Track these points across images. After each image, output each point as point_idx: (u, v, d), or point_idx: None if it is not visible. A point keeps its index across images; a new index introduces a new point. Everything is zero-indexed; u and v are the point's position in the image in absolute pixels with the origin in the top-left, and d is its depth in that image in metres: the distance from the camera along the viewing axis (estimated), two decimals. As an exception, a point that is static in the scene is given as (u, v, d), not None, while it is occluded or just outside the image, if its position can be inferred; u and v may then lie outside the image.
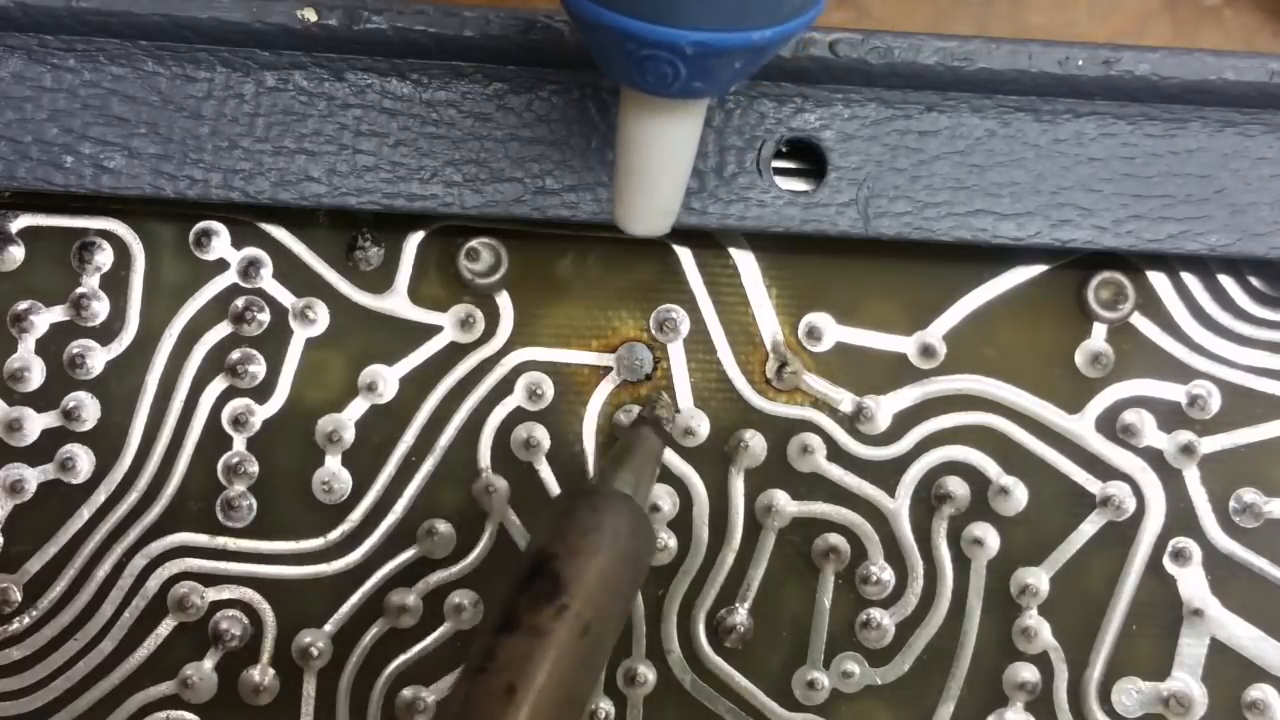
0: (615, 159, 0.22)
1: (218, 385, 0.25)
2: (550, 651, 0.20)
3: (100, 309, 0.25)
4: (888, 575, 0.26)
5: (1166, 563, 0.25)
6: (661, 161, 0.21)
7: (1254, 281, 0.25)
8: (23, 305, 0.25)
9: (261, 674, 0.26)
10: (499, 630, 0.21)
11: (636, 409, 0.25)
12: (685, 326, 0.26)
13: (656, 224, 0.22)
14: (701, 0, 0.18)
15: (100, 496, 0.25)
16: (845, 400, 0.26)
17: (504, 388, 0.26)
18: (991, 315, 0.26)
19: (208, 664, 0.26)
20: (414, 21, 0.24)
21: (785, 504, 0.26)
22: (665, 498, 0.25)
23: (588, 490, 0.24)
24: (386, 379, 0.25)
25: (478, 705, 0.20)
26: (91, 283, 0.25)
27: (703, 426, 0.25)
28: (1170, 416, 0.25)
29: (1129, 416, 0.25)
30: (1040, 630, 0.25)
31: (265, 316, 0.25)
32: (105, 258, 0.25)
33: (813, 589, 0.26)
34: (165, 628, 0.26)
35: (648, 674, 0.26)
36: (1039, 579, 0.25)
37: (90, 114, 0.24)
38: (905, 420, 0.26)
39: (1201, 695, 0.25)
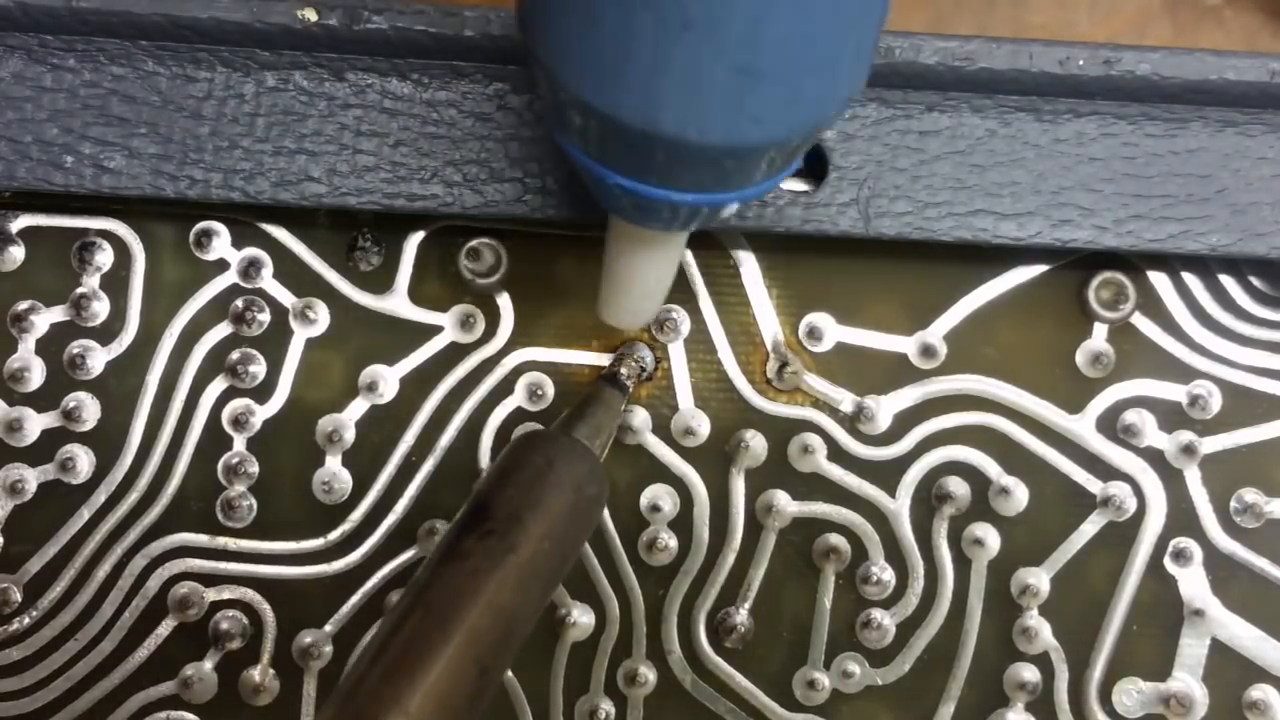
0: (603, 269, 0.22)
1: (218, 385, 0.25)
2: (471, 574, 0.20)
3: (100, 309, 0.25)
4: (888, 575, 0.26)
5: (1167, 563, 0.25)
6: (647, 276, 0.22)
7: (1255, 281, 0.25)
8: (23, 305, 0.25)
9: (262, 674, 0.26)
10: (433, 560, 0.21)
11: (639, 409, 0.25)
12: (686, 326, 0.26)
13: (640, 320, 0.23)
14: (697, 175, 0.19)
15: (100, 497, 0.25)
16: (846, 400, 0.26)
17: (504, 388, 0.26)
18: (992, 315, 0.26)
19: (208, 664, 0.26)
20: (414, 21, 0.24)
21: (786, 504, 0.26)
22: (666, 498, 0.25)
23: (534, 434, 0.24)
24: (387, 379, 0.25)
25: (399, 628, 0.20)
26: (92, 283, 0.25)
27: (703, 426, 0.25)
28: (1171, 416, 0.25)
29: (1130, 416, 0.25)
30: (1041, 630, 0.25)
31: (265, 316, 0.25)
32: (105, 258, 0.25)
33: (813, 589, 0.26)
34: (165, 628, 0.26)
35: (648, 674, 0.26)
36: (1040, 579, 0.25)
37: (90, 114, 0.24)
38: (906, 420, 0.26)
39: (1202, 695, 0.25)
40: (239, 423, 0.25)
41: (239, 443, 0.25)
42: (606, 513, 0.25)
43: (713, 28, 0.17)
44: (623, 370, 0.25)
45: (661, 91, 0.17)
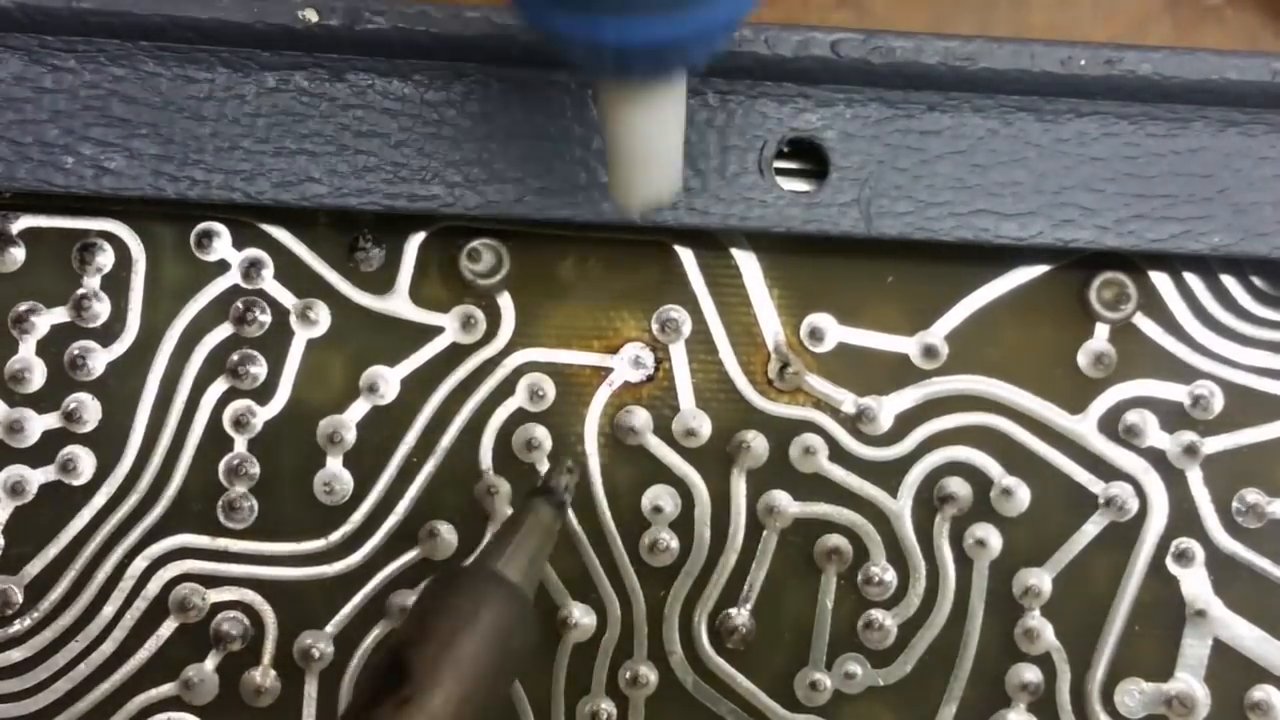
0: (607, 148, 0.21)
1: (219, 386, 0.25)
2: None
3: (101, 310, 0.25)
4: (890, 576, 0.26)
5: (1169, 563, 0.25)
6: (652, 139, 0.21)
7: (1256, 281, 0.25)
8: (24, 306, 0.25)
9: (263, 675, 0.26)
10: None
11: (640, 409, 0.25)
12: (687, 327, 0.26)
13: (659, 196, 0.22)
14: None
15: (101, 498, 0.25)
16: (847, 401, 0.26)
17: (505, 389, 0.26)
18: (994, 316, 0.26)
19: (209, 665, 0.26)
20: (415, 22, 0.24)
21: (787, 505, 0.25)
22: (667, 498, 0.25)
23: (457, 571, 0.22)
24: (388, 380, 0.25)
25: None
26: (92, 284, 0.25)
27: (704, 427, 0.25)
28: (1173, 417, 0.25)
29: (1131, 417, 0.25)
30: (1043, 631, 0.25)
31: (266, 317, 0.25)
32: (106, 259, 0.25)
33: (815, 590, 0.26)
34: (166, 629, 0.26)
35: (650, 675, 0.26)
36: (1041, 580, 0.25)
37: (91, 115, 0.24)
38: (907, 421, 0.26)
39: (1204, 696, 0.25)
40: (240, 424, 0.25)
41: (240, 444, 0.25)
42: (608, 514, 0.25)
43: None
44: (559, 481, 0.24)
45: None
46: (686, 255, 0.26)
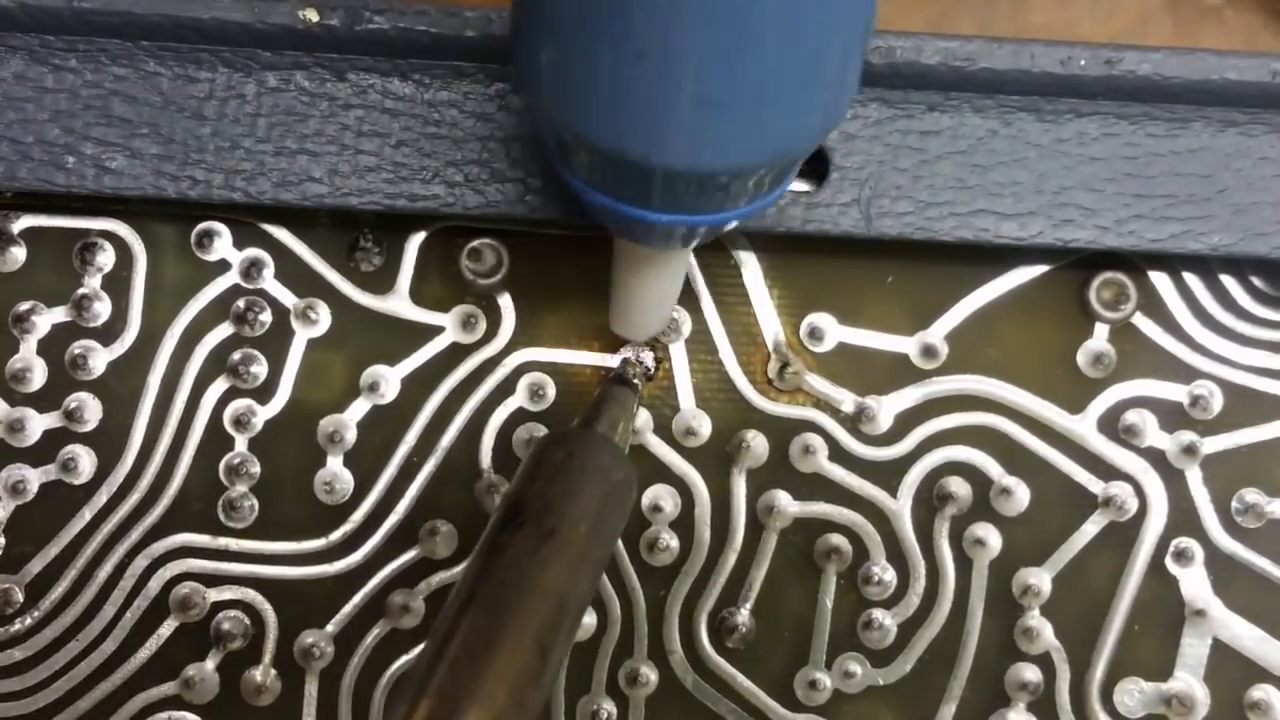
0: (611, 284, 0.23)
1: (219, 386, 0.25)
2: (513, 563, 0.20)
3: (102, 309, 0.25)
4: (890, 576, 0.26)
5: (1169, 563, 0.25)
6: (652, 292, 0.23)
7: (1256, 281, 0.25)
8: (24, 306, 0.25)
9: (263, 674, 0.26)
10: (474, 561, 0.21)
11: (640, 409, 0.25)
12: (687, 327, 0.26)
13: (650, 331, 0.24)
14: (683, 197, 0.19)
15: (102, 497, 0.25)
16: (847, 400, 0.26)
17: (506, 388, 0.26)
18: (993, 315, 0.26)
19: (209, 664, 0.26)
20: (416, 22, 0.24)
21: (787, 504, 0.26)
22: (667, 498, 0.25)
23: (554, 432, 0.24)
24: (388, 379, 0.25)
25: (455, 626, 0.20)
26: (93, 283, 0.25)
27: (704, 427, 0.25)
28: (1172, 417, 0.25)
29: (1131, 417, 0.25)
30: (1042, 630, 0.25)
31: (267, 317, 0.25)
32: (107, 258, 0.25)
33: (815, 589, 0.26)
34: (167, 628, 0.26)
35: (650, 674, 0.26)
36: (1041, 579, 0.25)
37: (92, 114, 0.24)
38: (907, 420, 0.26)
39: (1204, 696, 0.25)
40: (240, 423, 0.25)
41: (240, 443, 0.25)
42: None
43: (666, 58, 0.17)
44: (626, 370, 0.25)
45: (626, 118, 0.18)
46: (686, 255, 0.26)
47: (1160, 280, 0.25)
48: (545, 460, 0.22)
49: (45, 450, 0.25)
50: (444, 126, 0.24)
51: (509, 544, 0.20)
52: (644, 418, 0.25)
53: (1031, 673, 0.26)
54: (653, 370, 0.26)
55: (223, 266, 0.25)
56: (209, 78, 0.24)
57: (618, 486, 0.22)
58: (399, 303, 0.25)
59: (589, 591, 0.21)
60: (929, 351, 0.25)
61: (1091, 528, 0.25)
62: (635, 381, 0.25)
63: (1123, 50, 0.24)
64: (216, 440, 0.25)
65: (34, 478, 0.25)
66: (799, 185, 0.24)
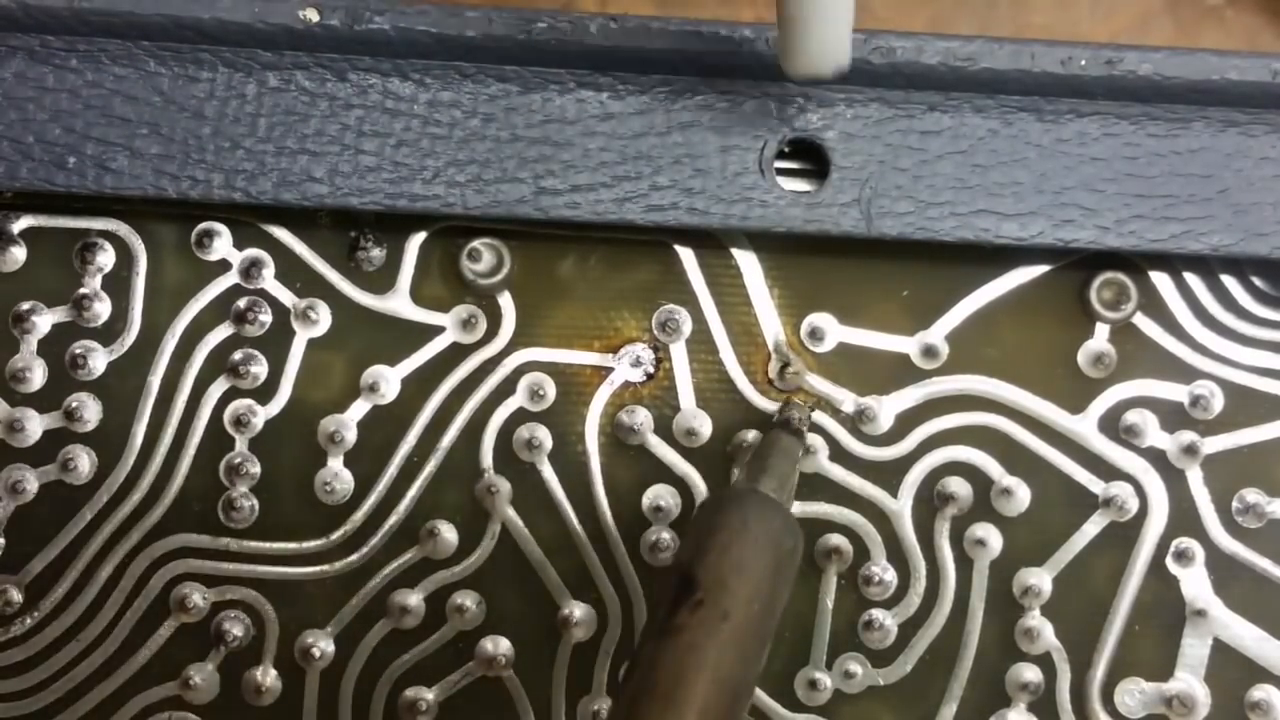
0: (778, 13, 0.21)
1: (219, 386, 0.25)
2: (690, 649, 0.20)
3: (102, 310, 0.25)
4: (890, 576, 0.26)
5: (1169, 563, 0.25)
6: (818, 8, 0.21)
7: (1256, 281, 0.25)
8: (25, 306, 0.25)
9: (264, 675, 0.26)
10: (650, 638, 0.21)
11: (641, 409, 0.25)
12: (687, 327, 0.26)
13: (835, 60, 0.22)
14: None
15: (102, 497, 0.25)
16: (847, 400, 0.26)
17: (506, 388, 0.26)
18: (994, 315, 0.26)
19: (210, 665, 0.26)
20: (416, 22, 0.24)
21: (788, 504, 0.25)
22: (668, 498, 0.25)
23: (721, 495, 0.24)
24: (388, 379, 0.25)
25: (633, 712, 0.20)
26: (93, 283, 0.25)
27: (705, 427, 0.25)
28: (1173, 417, 0.25)
29: (1131, 417, 0.25)
30: (1043, 631, 0.25)
31: (267, 317, 0.25)
32: (107, 258, 0.25)
33: (815, 589, 0.26)
34: (167, 628, 0.26)
35: (650, 675, 0.26)
36: (1041, 579, 0.25)
37: (93, 114, 0.24)
38: (907, 421, 0.26)
39: (1204, 696, 0.25)
40: (240, 423, 0.25)
41: (240, 443, 0.25)
42: (609, 513, 0.25)
43: None
44: (794, 415, 0.25)
45: None
46: (687, 255, 0.26)
47: (1161, 280, 0.25)
48: (717, 528, 0.22)
49: (45, 450, 0.25)
50: (445, 126, 0.24)
51: (685, 625, 0.21)
52: (644, 418, 0.25)
53: (1032, 673, 0.26)
54: (653, 370, 0.26)
55: (223, 266, 0.25)
56: (210, 78, 0.24)
57: (788, 555, 0.22)
58: (399, 303, 0.25)
59: (757, 674, 0.21)
60: (929, 351, 0.25)
61: (1092, 528, 0.25)
62: (801, 428, 0.25)
63: (1123, 50, 0.24)
64: (217, 440, 0.25)
65: (34, 478, 0.25)
66: (799, 185, 0.24)
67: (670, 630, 0.21)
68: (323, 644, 0.25)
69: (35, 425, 0.25)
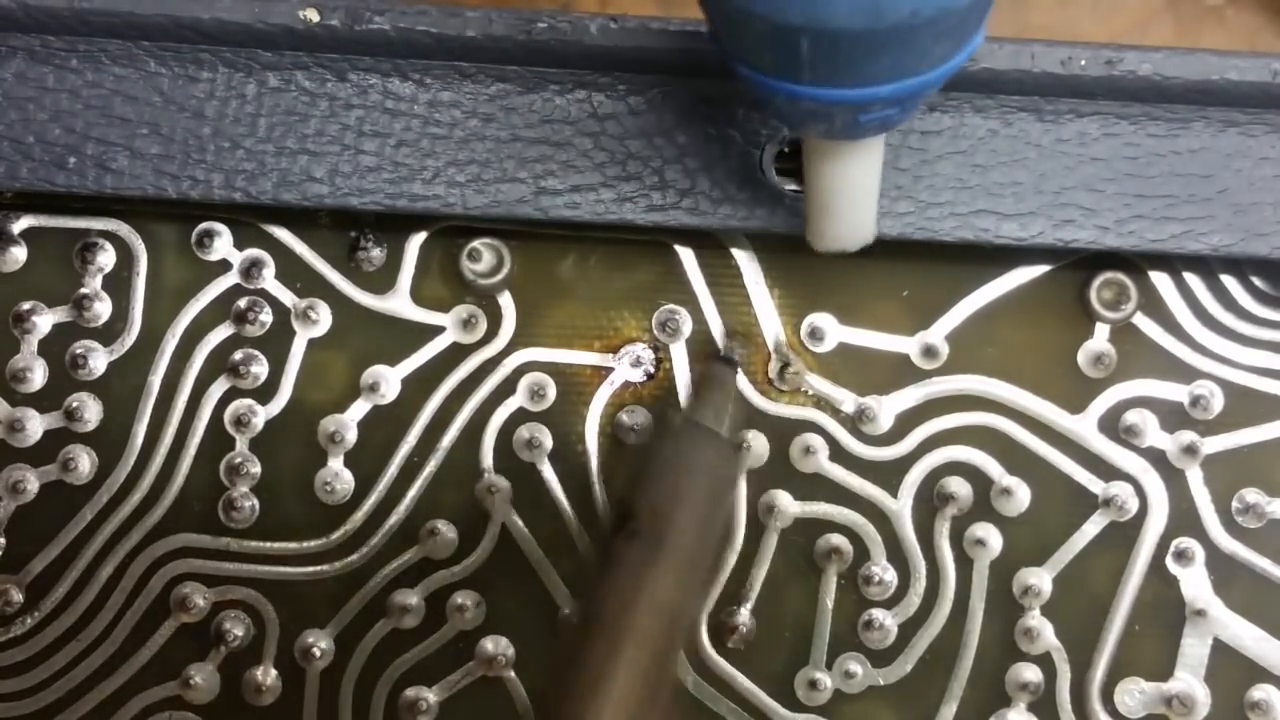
0: (806, 197, 0.22)
1: (220, 386, 0.25)
2: (628, 574, 0.21)
3: (102, 310, 0.25)
4: (890, 576, 0.26)
5: (1169, 563, 0.25)
6: (854, 190, 0.22)
7: (1256, 281, 0.25)
8: (25, 306, 0.25)
9: (264, 674, 0.26)
10: (593, 569, 0.22)
11: (641, 409, 0.25)
12: (687, 327, 0.26)
13: (858, 239, 0.23)
14: (864, 65, 0.19)
15: (103, 497, 0.25)
16: (847, 400, 0.26)
17: (506, 388, 0.26)
18: (994, 315, 0.26)
19: (210, 664, 0.26)
20: (416, 22, 0.24)
21: (788, 504, 0.25)
22: (668, 498, 0.25)
23: (659, 429, 0.24)
24: (389, 379, 0.25)
25: (576, 644, 0.20)
26: (94, 283, 0.25)
27: (705, 427, 0.25)
28: (1173, 417, 0.25)
29: (1131, 417, 0.25)
30: (1043, 630, 0.25)
31: (267, 317, 0.25)
32: (107, 258, 0.25)
33: (815, 589, 0.26)
34: (168, 628, 0.26)
35: (650, 674, 0.26)
36: (1041, 579, 0.25)
37: (93, 114, 0.24)
38: (907, 420, 0.26)
39: (1204, 696, 0.25)
40: (241, 423, 0.25)
41: (241, 443, 0.25)
42: (609, 513, 0.25)
43: None
44: (726, 344, 0.25)
45: None
46: (687, 255, 0.26)
47: (1161, 280, 0.25)
48: (652, 459, 0.22)
49: (45, 450, 0.25)
50: (445, 127, 0.24)
51: (623, 555, 0.21)
52: (644, 417, 0.25)
53: (1032, 673, 0.26)
54: (653, 370, 0.26)
55: (223, 266, 0.25)
56: (210, 78, 0.24)
57: (724, 482, 0.23)
58: (399, 303, 0.25)
59: (702, 599, 0.22)
60: (929, 351, 0.25)
61: (1092, 528, 0.25)
62: (735, 357, 0.25)
63: (1123, 50, 0.24)
64: (217, 440, 0.25)
65: (34, 478, 0.25)
66: (799, 185, 0.24)
67: (609, 560, 0.21)
68: (323, 644, 0.25)
69: (36, 425, 0.25)
